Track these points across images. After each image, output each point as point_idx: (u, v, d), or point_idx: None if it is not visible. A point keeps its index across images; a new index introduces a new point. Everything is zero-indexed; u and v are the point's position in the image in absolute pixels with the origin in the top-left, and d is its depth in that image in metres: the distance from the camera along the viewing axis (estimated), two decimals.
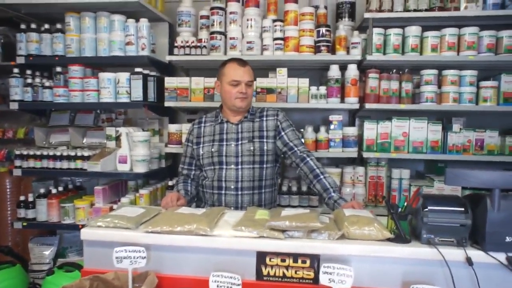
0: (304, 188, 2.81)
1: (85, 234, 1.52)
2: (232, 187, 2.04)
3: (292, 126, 2.14)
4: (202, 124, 2.19)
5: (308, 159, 2.03)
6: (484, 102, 2.73)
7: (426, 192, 2.69)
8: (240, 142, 2.06)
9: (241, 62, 2.10)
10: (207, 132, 2.14)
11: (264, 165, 2.06)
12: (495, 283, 1.34)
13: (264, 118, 2.12)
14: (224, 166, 2.05)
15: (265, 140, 2.06)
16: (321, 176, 1.97)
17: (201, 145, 2.12)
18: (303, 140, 2.41)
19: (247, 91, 2.04)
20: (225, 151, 2.06)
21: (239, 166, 2.04)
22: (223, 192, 2.05)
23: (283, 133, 2.08)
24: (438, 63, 2.80)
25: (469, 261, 1.32)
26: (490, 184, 1.35)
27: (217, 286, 1.31)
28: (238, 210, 1.96)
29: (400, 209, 1.48)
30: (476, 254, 1.34)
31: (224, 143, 2.07)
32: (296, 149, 2.05)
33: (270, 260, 1.41)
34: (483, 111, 2.85)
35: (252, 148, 2.03)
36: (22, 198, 2.92)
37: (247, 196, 2.04)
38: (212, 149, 2.07)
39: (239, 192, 2.03)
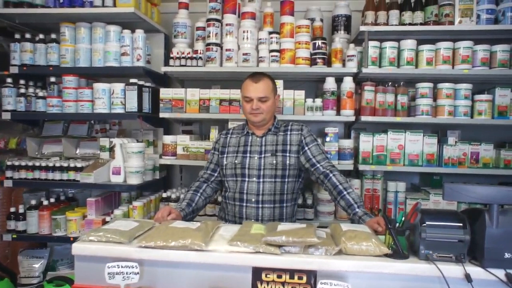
0: (299, 201, 2.78)
1: (77, 249, 1.48)
2: (253, 200, 2.02)
3: (316, 141, 2.10)
4: (229, 135, 2.19)
5: (331, 175, 1.97)
6: (479, 116, 2.75)
7: (422, 205, 2.67)
8: (263, 155, 2.05)
9: (255, 77, 2.05)
10: (232, 143, 2.14)
11: (286, 179, 2.04)
12: None
13: (288, 132, 2.10)
14: (246, 179, 2.04)
15: (288, 154, 2.04)
16: (344, 192, 1.92)
17: (225, 155, 2.11)
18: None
19: (260, 106, 2.01)
20: (248, 163, 2.05)
21: (261, 179, 2.02)
22: (244, 204, 2.03)
23: (306, 148, 2.05)
24: (433, 77, 2.81)
25: (468, 277, 1.30)
26: (489, 200, 1.34)
27: None
28: (237, 225, 1.92)
29: (398, 224, 1.47)
30: (475, 271, 1.32)
31: (248, 155, 2.06)
32: (318, 165, 2.01)
33: (266, 276, 1.38)
34: (478, 124, 2.86)
35: (274, 161, 2.02)
36: (12, 209, 2.87)
37: (268, 209, 2.02)
38: (236, 161, 2.06)
39: (260, 205, 2.01)
